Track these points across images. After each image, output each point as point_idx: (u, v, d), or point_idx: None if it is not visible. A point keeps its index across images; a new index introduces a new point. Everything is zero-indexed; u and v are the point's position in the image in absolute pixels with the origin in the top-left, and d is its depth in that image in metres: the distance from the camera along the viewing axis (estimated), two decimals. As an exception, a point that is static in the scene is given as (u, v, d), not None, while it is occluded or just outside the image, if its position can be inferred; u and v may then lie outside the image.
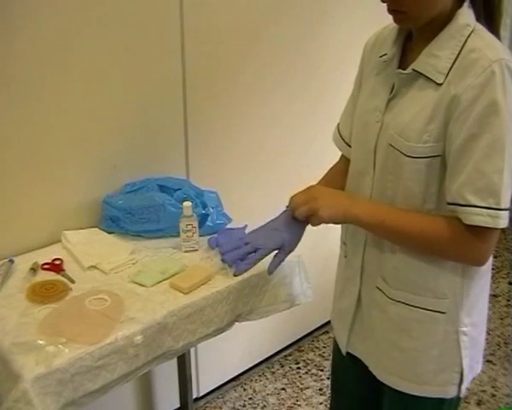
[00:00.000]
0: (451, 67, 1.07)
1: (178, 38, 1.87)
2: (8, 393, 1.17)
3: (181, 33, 1.86)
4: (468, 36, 1.08)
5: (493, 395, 2.43)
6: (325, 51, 2.34)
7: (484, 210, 1.04)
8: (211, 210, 1.73)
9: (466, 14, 1.10)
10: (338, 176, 1.37)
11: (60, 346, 1.22)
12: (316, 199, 1.16)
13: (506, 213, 1.06)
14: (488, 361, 2.63)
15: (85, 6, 1.63)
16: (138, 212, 1.70)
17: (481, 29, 1.10)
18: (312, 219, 1.17)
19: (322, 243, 2.24)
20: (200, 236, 1.65)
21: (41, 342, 1.24)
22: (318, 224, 1.18)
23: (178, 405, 2.16)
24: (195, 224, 1.62)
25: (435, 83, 1.08)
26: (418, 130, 1.09)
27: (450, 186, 1.08)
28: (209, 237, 1.60)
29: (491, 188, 1.04)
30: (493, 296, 3.14)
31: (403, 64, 1.17)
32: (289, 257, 1.60)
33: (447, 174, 1.09)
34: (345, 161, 1.36)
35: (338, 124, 1.40)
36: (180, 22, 1.85)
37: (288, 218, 1.24)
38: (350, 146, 1.33)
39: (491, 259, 1.22)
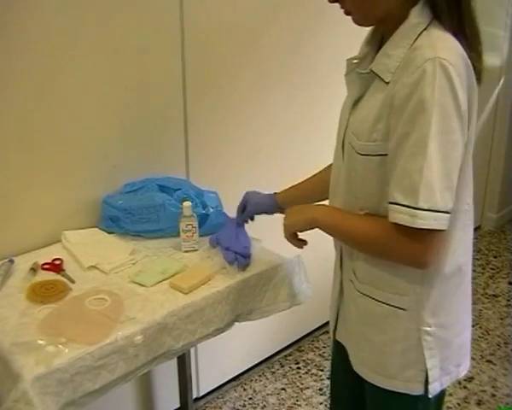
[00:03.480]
0: (398, 66, 1.07)
1: (178, 38, 1.87)
2: (8, 393, 1.17)
3: (181, 33, 1.87)
4: (419, 34, 1.06)
5: (493, 395, 2.43)
6: (323, 52, 2.34)
7: (404, 208, 1.04)
8: (211, 210, 1.73)
9: (419, 13, 1.07)
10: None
11: (60, 346, 1.22)
12: (286, 216, 1.32)
13: (427, 214, 1.03)
14: (488, 361, 2.63)
15: (86, 7, 1.63)
16: (138, 212, 1.70)
17: (435, 27, 1.07)
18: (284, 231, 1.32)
19: (322, 244, 2.23)
20: (200, 236, 1.65)
21: (41, 342, 1.24)
22: (288, 233, 1.32)
23: (178, 405, 2.16)
24: (195, 224, 1.62)
25: (384, 82, 1.09)
26: (367, 129, 1.11)
27: (389, 186, 1.09)
28: (210, 235, 1.60)
29: (412, 187, 1.03)
30: (493, 296, 3.14)
31: None
32: (289, 257, 1.61)
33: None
34: None
35: None
36: (180, 22, 1.85)
37: None
38: None
39: (469, 260, 1.22)
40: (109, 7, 1.68)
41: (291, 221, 1.29)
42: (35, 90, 1.60)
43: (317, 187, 1.45)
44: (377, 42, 1.19)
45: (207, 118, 2.03)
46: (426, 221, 1.03)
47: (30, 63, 1.57)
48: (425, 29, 1.07)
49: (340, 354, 1.39)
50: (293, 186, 1.53)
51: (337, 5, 1.15)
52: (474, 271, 3.51)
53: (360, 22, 1.15)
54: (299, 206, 1.32)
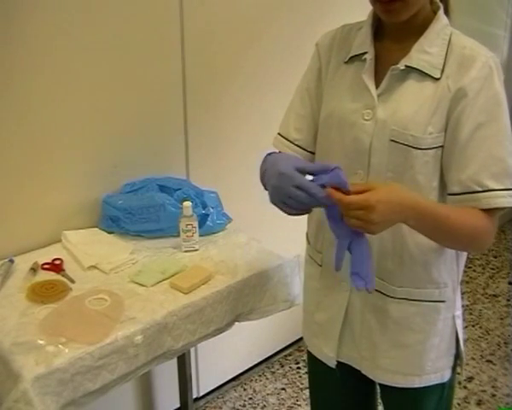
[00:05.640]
0: (445, 63, 1.12)
1: (178, 38, 1.87)
2: (8, 393, 1.17)
3: (181, 34, 1.87)
4: (450, 35, 1.15)
5: (493, 395, 2.43)
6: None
7: (504, 192, 1.09)
8: (211, 210, 1.73)
9: (444, 16, 1.17)
10: None
11: (60, 346, 1.23)
12: (373, 209, 1.02)
13: None
14: (488, 361, 2.63)
15: (86, 6, 1.63)
16: (138, 212, 1.70)
17: (455, 30, 1.17)
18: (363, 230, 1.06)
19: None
20: (200, 236, 1.65)
21: (41, 342, 1.24)
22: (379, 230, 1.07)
23: (178, 405, 2.16)
24: (195, 224, 1.62)
25: (432, 77, 1.12)
26: (423, 122, 1.12)
27: (460, 176, 1.11)
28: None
29: (507, 171, 1.10)
30: (493, 296, 3.14)
31: (379, 62, 1.18)
32: (289, 257, 1.61)
33: (453, 165, 1.12)
34: None
35: (279, 133, 1.35)
36: (180, 22, 1.85)
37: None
38: (305, 150, 1.30)
39: None
40: (109, 7, 1.68)
41: (380, 229, 1.06)
42: (35, 91, 1.60)
43: None
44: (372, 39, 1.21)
45: (207, 118, 2.03)
46: None
47: (29, 63, 1.57)
48: (451, 31, 1.15)
49: (335, 377, 1.33)
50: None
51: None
52: (474, 271, 3.53)
53: (405, 11, 1.11)
54: (389, 197, 1.05)
